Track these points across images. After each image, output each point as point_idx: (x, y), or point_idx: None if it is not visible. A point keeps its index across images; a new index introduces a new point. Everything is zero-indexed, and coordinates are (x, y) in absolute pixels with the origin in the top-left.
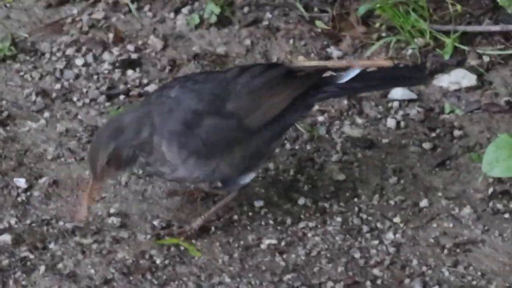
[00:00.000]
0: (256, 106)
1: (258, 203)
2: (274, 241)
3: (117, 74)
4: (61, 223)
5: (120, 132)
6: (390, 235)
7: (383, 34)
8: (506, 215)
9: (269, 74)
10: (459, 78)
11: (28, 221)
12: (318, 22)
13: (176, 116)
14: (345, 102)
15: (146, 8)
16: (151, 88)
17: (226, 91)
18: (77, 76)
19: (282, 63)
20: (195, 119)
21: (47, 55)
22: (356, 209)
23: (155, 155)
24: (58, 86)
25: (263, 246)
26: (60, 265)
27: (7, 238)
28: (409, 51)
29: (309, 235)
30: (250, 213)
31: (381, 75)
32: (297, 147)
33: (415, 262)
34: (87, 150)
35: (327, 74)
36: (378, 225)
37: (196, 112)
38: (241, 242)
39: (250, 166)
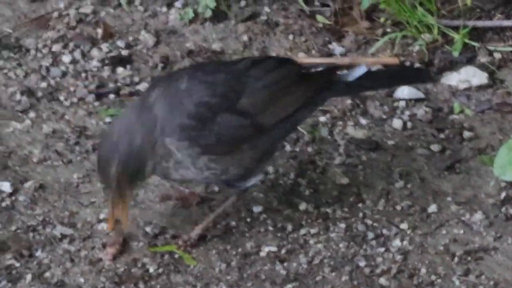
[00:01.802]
0: (270, 103)
1: (257, 209)
2: (274, 249)
3: (106, 72)
4: (48, 229)
5: (122, 142)
6: (397, 242)
7: (388, 30)
8: None
9: (283, 70)
10: (469, 76)
11: (13, 228)
12: (319, 17)
13: (188, 110)
14: (349, 101)
15: (137, 2)
16: (142, 86)
17: (240, 84)
18: (64, 74)
19: (293, 60)
20: (208, 113)
21: (32, 52)
22: (361, 214)
23: (167, 155)
24: (44, 84)
25: (262, 254)
26: (47, 274)
27: None
28: (416, 48)
29: (311, 242)
30: (249, 219)
31: (389, 74)
32: (297, 149)
33: (423, 270)
34: (96, 162)
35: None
36: (384, 231)
37: (209, 105)
38: (239, 250)
39: (257, 167)
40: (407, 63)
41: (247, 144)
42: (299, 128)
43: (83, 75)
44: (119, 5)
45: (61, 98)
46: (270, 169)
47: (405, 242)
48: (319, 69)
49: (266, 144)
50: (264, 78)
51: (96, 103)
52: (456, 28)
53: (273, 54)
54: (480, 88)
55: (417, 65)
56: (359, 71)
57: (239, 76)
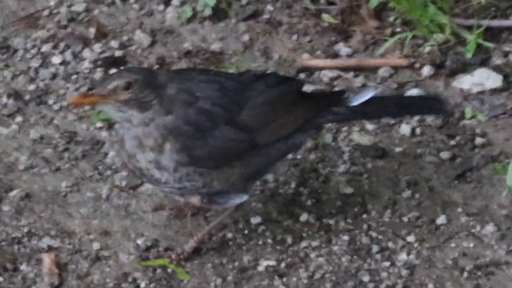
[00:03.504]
0: (269, 120)
1: (255, 220)
2: (272, 263)
3: (99, 74)
4: (34, 241)
5: (154, 76)
6: (403, 256)
7: (398, 29)
8: None
9: (284, 87)
10: (482, 78)
11: None
12: (325, 16)
13: (188, 114)
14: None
15: None
16: None
17: (243, 96)
18: (54, 76)
19: (295, 78)
20: (208, 123)
21: (21, 52)
22: (365, 226)
23: (159, 146)
24: (32, 87)
25: (260, 268)
26: None
27: None
28: (427, 48)
29: (312, 255)
30: (246, 231)
31: (397, 102)
32: (299, 156)
33: (431, 286)
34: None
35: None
36: (390, 244)
37: (210, 114)
38: (236, 264)
39: (244, 185)
40: (417, 65)
41: (239, 161)
42: None
43: (74, 77)
44: (113, 3)
45: (50, 101)
46: (270, 177)
47: (411, 256)
48: (321, 91)
49: (259, 163)
50: (266, 93)
51: (87, 107)
52: (469, 28)
53: (276, 55)
54: (494, 91)
55: (432, 94)
56: (365, 95)
57: (243, 89)
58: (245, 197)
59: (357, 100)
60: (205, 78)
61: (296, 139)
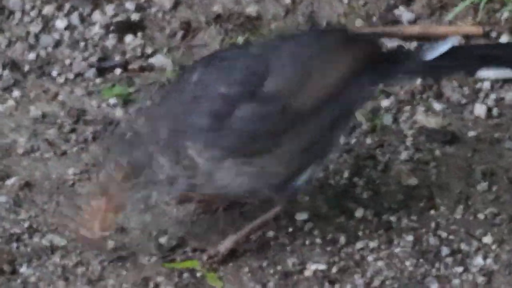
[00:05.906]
0: (304, 81)
1: (302, 216)
2: (322, 267)
3: (111, 41)
4: (35, 239)
5: (136, 143)
6: (478, 260)
7: None
8: None
9: (322, 40)
10: None
11: None
12: None
13: (202, 106)
14: (418, 80)
15: None
16: (156, 59)
17: (265, 64)
18: (57, 43)
19: (342, 27)
20: (225, 107)
21: (18, 15)
22: (433, 224)
23: (184, 163)
24: (32, 55)
25: (307, 273)
26: None
27: None
28: (505, 14)
29: (370, 258)
30: (291, 229)
31: (482, 53)
32: (353, 140)
33: None
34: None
35: (407, 46)
36: (462, 246)
37: (224, 97)
38: (278, 268)
39: (307, 163)
40: (493, 34)
41: (285, 137)
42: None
43: (82, 44)
44: None
45: (54, 73)
46: None
47: (488, 260)
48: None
49: (312, 133)
50: (297, 52)
51: (98, 80)
52: None
53: (323, 21)
54: None
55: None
56: (442, 47)
57: (266, 55)
58: (308, 173)
59: (432, 54)
60: (210, 66)
61: (352, 97)
